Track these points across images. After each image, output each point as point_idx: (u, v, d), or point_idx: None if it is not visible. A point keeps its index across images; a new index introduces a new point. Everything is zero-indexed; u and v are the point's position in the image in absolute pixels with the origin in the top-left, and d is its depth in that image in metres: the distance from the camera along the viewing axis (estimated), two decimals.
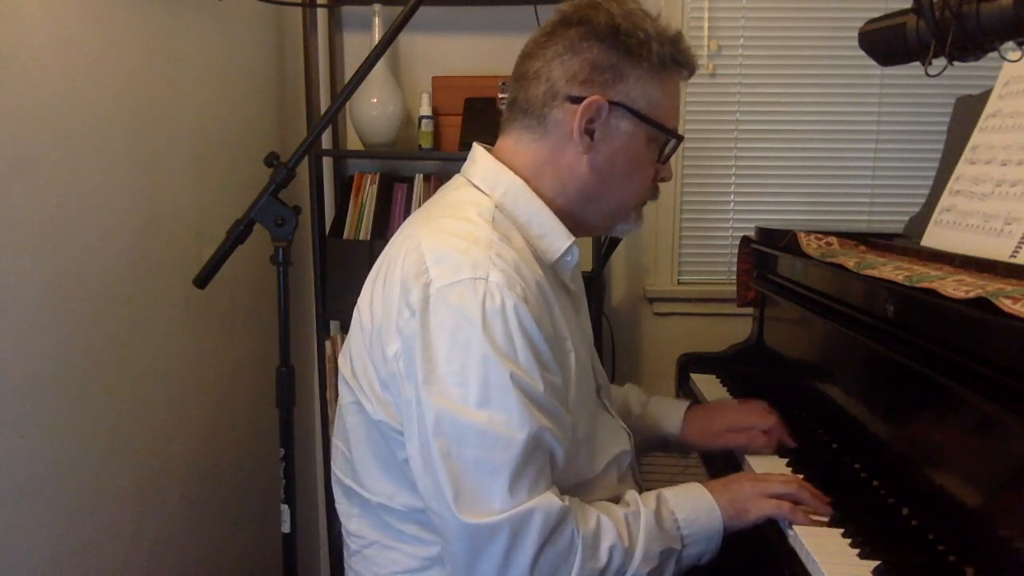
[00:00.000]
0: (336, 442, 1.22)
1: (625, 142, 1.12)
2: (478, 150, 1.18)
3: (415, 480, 1.05)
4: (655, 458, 1.90)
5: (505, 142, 1.17)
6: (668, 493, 1.13)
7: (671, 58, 1.11)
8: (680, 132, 1.16)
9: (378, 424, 1.09)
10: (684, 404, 1.46)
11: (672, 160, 1.19)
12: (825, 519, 1.11)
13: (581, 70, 1.09)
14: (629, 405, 1.44)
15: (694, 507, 1.11)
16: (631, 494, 1.13)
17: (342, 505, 1.21)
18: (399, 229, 1.18)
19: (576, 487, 1.11)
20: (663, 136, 1.14)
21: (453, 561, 1.03)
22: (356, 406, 1.13)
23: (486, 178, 1.14)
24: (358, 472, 1.15)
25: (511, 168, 1.13)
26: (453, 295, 0.99)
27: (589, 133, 1.10)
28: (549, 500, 1.00)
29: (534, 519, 0.98)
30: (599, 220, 1.19)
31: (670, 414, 1.44)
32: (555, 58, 1.10)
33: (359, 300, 1.15)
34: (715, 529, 1.11)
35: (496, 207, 1.10)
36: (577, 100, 1.09)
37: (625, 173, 1.14)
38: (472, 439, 0.98)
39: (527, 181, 1.12)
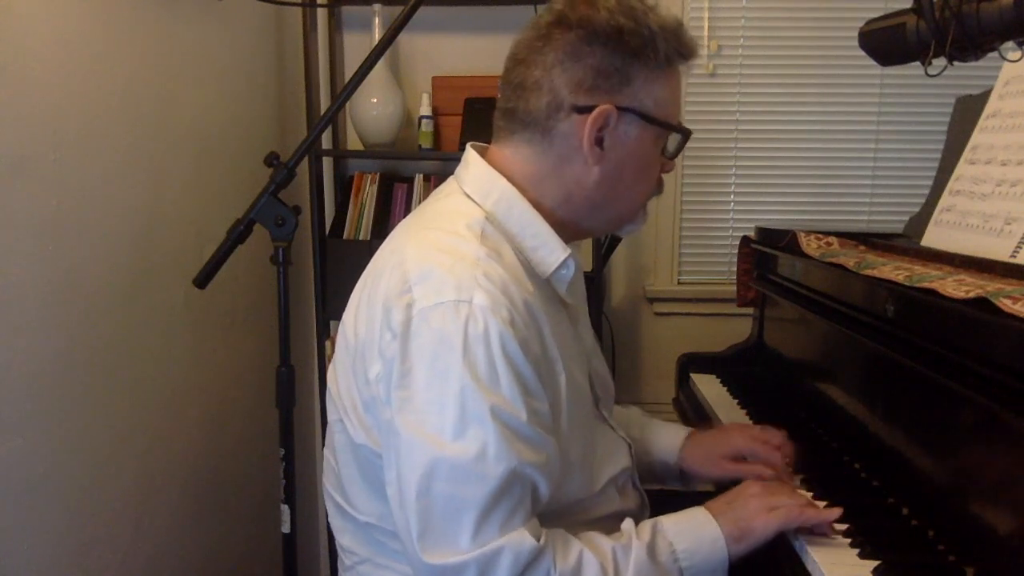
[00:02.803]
0: (327, 454, 1.18)
1: (634, 147, 1.07)
2: (471, 154, 1.12)
3: (391, 508, 1.01)
4: None
5: (502, 150, 1.11)
6: (667, 522, 1.06)
7: (676, 52, 1.07)
8: (682, 124, 1.12)
9: (360, 448, 1.06)
10: (685, 429, 1.39)
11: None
12: (837, 514, 1.06)
13: (585, 77, 1.03)
14: (630, 428, 1.37)
15: (695, 536, 1.04)
16: (626, 523, 1.07)
17: (335, 520, 1.17)
18: (389, 237, 1.14)
19: (575, 504, 1.08)
20: (668, 131, 1.10)
21: None
22: (340, 425, 1.10)
23: (478, 186, 1.09)
24: (346, 491, 1.12)
25: (508, 175, 1.08)
26: (435, 318, 0.95)
27: (598, 142, 1.05)
28: (521, 538, 0.94)
29: (502, 558, 0.93)
30: (604, 225, 1.15)
31: (669, 438, 1.37)
32: (556, 65, 1.03)
33: (345, 314, 1.11)
34: (719, 559, 1.04)
35: (487, 218, 1.05)
36: (584, 110, 1.03)
37: (635, 176, 1.10)
38: (444, 473, 0.93)
39: (524, 191, 1.07)
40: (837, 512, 1.08)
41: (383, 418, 1.00)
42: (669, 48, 1.05)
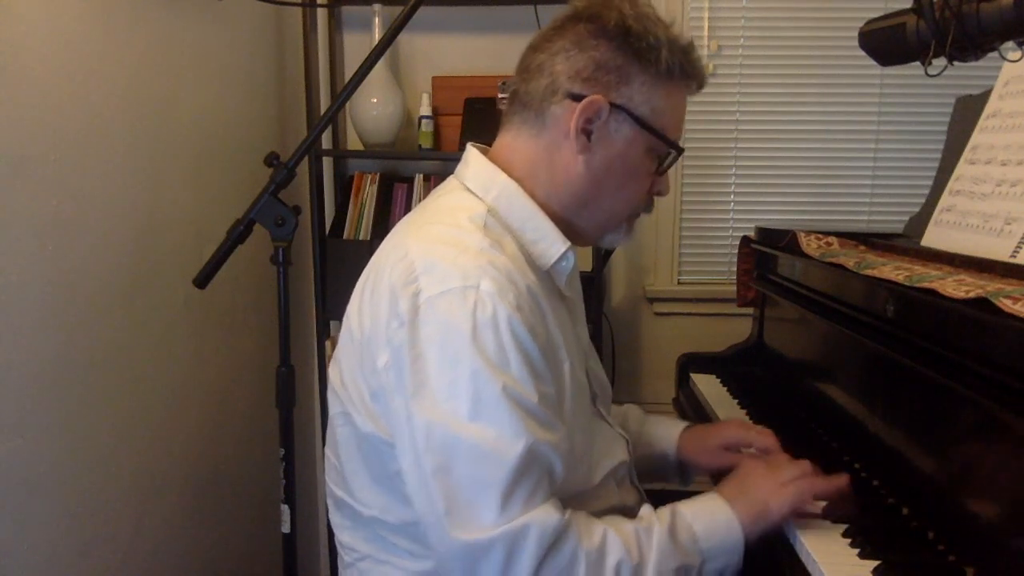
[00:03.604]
0: (328, 453, 1.19)
1: (622, 148, 1.09)
2: (471, 152, 1.15)
3: (409, 494, 1.02)
4: None
5: (503, 138, 1.15)
6: (684, 507, 1.09)
7: (680, 68, 1.09)
8: (681, 144, 1.14)
9: (368, 437, 1.07)
10: (682, 423, 1.43)
11: (670, 171, 1.16)
12: (845, 480, 1.10)
13: (585, 67, 1.06)
14: (628, 424, 1.40)
15: (712, 519, 1.07)
16: (645, 508, 1.09)
17: (335, 517, 1.18)
18: (389, 234, 1.16)
19: (574, 498, 1.08)
20: (662, 146, 1.11)
21: None
22: (345, 417, 1.11)
23: (479, 181, 1.11)
24: (349, 484, 1.13)
25: (506, 168, 1.11)
26: (442, 305, 0.97)
27: (586, 134, 1.07)
28: (546, 514, 0.96)
29: (530, 534, 0.95)
30: (591, 228, 1.16)
31: (667, 432, 1.40)
32: (560, 52, 1.08)
33: (348, 309, 1.12)
34: (735, 541, 1.06)
35: (488, 212, 1.07)
36: (577, 98, 1.06)
37: (620, 180, 1.11)
38: (464, 454, 0.95)
39: (521, 181, 1.10)
40: (845, 478, 1.11)
41: (392, 406, 1.02)
42: (672, 60, 1.08)
